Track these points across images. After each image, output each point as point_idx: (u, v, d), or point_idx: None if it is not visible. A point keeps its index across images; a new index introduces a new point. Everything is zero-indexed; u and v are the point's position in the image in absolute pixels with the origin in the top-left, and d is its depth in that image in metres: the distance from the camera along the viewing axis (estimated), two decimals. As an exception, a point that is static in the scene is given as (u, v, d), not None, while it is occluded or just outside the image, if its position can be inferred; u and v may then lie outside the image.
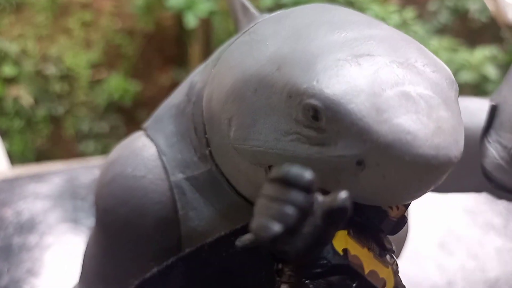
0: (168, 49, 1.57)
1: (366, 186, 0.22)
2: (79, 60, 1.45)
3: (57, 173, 0.75)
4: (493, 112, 0.32)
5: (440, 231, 0.69)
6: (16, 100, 1.38)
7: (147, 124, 0.35)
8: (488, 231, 0.68)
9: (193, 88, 0.33)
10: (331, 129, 0.23)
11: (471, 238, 0.68)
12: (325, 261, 0.22)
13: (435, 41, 1.33)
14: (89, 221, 0.65)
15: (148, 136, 0.33)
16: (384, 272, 0.23)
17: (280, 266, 0.22)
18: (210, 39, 1.49)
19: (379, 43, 0.25)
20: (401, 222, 0.25)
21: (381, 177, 0.22)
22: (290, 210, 0.19)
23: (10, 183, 0.72)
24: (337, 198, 0.19)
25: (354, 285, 0.22)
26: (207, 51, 1.57)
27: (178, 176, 0.31)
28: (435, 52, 1.21)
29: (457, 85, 0.25)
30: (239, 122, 0.27)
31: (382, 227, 0.24)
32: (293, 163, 0.21)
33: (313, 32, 0.26)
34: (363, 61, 0.23)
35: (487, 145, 0.32)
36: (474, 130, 0.32)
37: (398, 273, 0.25)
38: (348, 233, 0.23)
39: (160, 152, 0.32)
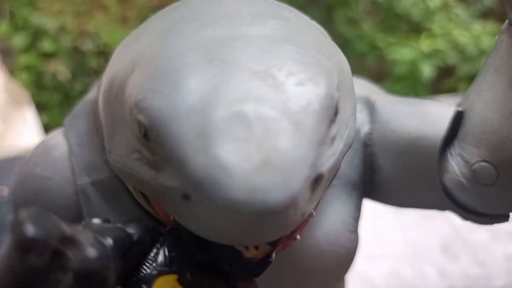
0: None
1: (199, 222, 0.19)
2: (115, 36, 1.47)
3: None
4: (459, 119, 0.27)
5: (444, 233, 0.66)
6: (54, 75, 1.42)
7: (66, 119, 0.31)
8: (497, 237, 0.65)
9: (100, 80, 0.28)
10: (159, 152, 0.19)
11: (478, 243, 0.65)
12: None
13: (478, 26, 1.26)
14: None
15: (64, 133, 0.30)
16: None
17: None
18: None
19: (245, 45, 0.20)
20: (263, 263, 0.21)
21: (208, 217, 0.18)
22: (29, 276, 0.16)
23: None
24: (86, 257, 0.16)
25: None
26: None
27: (84, 180, 0.28)
28: (477, 37, 1.14)
29: (339, 103, 0.21)
30: (105, 131, 0.24)
31: (236, 268, 0.21)
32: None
33: (183, 27, 0.22)
34: (211, 69, 0.19)
35: (449, 157, 0.28)
36: (433, 140, 0.28)
37: None
38: (180, 279, 0.20)
39: (70, 152, 0.29)
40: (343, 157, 0.23)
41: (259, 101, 0.18)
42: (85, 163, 0.28)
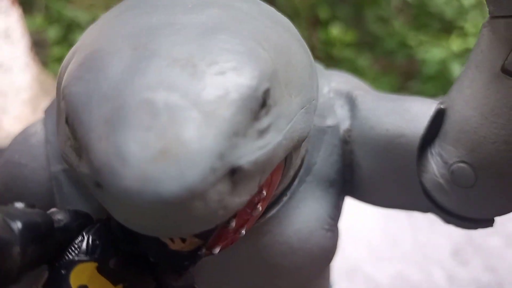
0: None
1: (112, 210, 0.18)
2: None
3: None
4: (440, 117, 0.26)
5: (456, 237, 0.64)
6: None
7: (46, 107, 0.31)
8: (511, 243, 0.63)
9: None
10: (77, 139, 0.19)
11: (491, 248, 0.63)
12: None
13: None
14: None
15: (43, 121, 0.30)
16: None
17: None
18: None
19: (172, 33, 0.20)
20: (192, 256, 0.21)
21: (114, 205, 0.18)
22: None
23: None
24: None
25: None
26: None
27: (57, 167, 0.28)
28: None
29: (269, 95, 0.20)
30: (56, 118, 0.24)
31: (161, 260, 0.20)
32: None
33: (124, 15, 0.22)
34: (132, 56, 0.19)
35: (429, 157, 0.26)
36: (411, 138, 0.26)
37: None
38: (100, 267, 0.20)
39: (46, 140, 0.29)
40: (293, 151, 0.22)
41: (171, 90, 0.17)
42: (59, 151, 0.27)
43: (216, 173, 0.17)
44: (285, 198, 0.27)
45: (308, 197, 0.28)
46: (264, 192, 0.22)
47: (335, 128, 0.28)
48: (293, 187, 0.27)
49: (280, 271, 0.28)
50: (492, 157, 0.24)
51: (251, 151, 0.19)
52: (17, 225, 0.18)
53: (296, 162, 0.26)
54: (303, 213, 0.28)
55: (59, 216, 0.21)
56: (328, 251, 0.29)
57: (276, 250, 0.27)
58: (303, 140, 0.23)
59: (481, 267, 0.60)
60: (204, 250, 0.21)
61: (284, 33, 0.23)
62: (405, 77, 1.45)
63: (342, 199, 0.30)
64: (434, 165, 0.26)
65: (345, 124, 0.28)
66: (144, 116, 0.17)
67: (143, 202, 0.16)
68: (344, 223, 0.70)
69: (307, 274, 0.29)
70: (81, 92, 0.19)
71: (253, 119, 0.19)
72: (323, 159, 0.28)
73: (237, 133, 0.18)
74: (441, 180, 0.26)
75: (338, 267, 0.61)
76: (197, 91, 0.18)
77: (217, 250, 0.21)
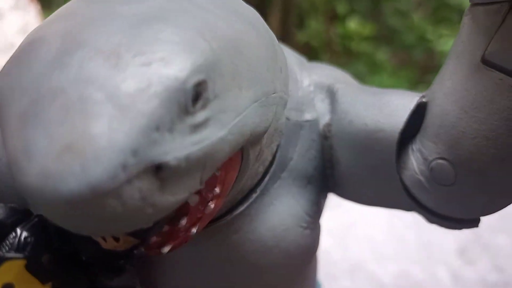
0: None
1: (32, 208, 0.19)
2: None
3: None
4: (422, 111, 0.25)
5: (463, 235, 0.63)
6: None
7: None
8: (521, 243, 0.61)
9: None
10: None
11: (499, 247, 0.61)
12: None
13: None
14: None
15: None
16: None
17: None
18: (290, 7, 1.45)
19: (104, 24, 0.19)
20: (129, 256, 0.21)
21: (37, 207, 0.17)
22: None
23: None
24: None
25: None
26: (287, 19, 1.54)
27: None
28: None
29: (205, 88, 0.19)
30: None
31: (93, 258, 0.21)
32: None
33: (74, 6, 0.21)
34: (59, 49, 0.18)
35: (410, 153, 0.25)
36: (390, 133, 0.25)
37: None
38: (28, 265, 0.20)
39: None
40: (250, 147, 0.22)
41: (88, 82, 0.17)
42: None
43: (128, 170, 0.16)
44: (254, 195, 0.26)
45: (283, 193, 0.27)
46: (217, 189, 0.21)
47: (313, 122, 0.27)
48: (263, 183, 0.26)
49: (255, 270, 0.27)
50: (472, 153, 0.23)
51: (181, 147, 0.18)
52: None
53: (265, 157, 0.25)
54: (278, 210, 0.27)
55: None
56: (306, 249, 0.28)
57: (248, 248, 0.26)
58: (259, 135, 0.22)
59: (488, 267, 0.59)
60: (142, 249, 0.20)
61: (239, 23, 0.22)
62: (423, 71, 1.42)
63: (324, 196, 0.29)
64: (414, 161, 0.25)
65: (325, 119, 0.27)
66: (57, 111, 0.16)
67: (44, 200, 0.16)
68: (347, 220, 0.69)
69: (284, 273, 0.28)
70: (5, 86, 0.18)
71: (183, 113, 0.18)
72: (300, 155, 0.27)
73: (159, 128, 0.17)
74: (421, 178, 0.25)
75: (340, 264, 0.61)
76: (115, 83, 0.17)
77: (166, 249, 0.21)
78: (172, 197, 0.18)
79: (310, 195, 0.28)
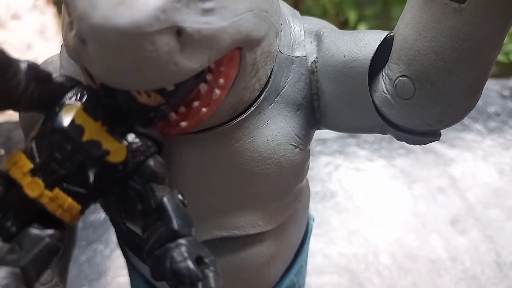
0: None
1: (93, 63, 0.24)
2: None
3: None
4: (390, 44, 0.30)
5: (456, 208, 0.65)
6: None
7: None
8: (512, 215, 0.64)
9: None
10: (69, 13, 0.24)
11: (491, 220, 0.64)
12: (49, 124, 0.25)
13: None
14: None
15: (59, 53, 0.35)
16: (110, 145, 0.26)
17: None
18: (300, 13, 1.49)
19: None
20: (156, 109, 0.26)
21: (92, 52, 0.23)
22: None
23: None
24: None
25: (69, 147, 0.25)
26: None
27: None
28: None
29: None
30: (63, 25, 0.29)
31: (131, 109, 0.26)
32: None
33: None
34: None
35: (380, 78, 0.30)
36: (363, 61, 0.30)
37: (144, 154, 0.26)
38: (84, 108, 0.26)
39: (61, 66, 0.34)
40: (246, 50, 0.27)
41: None
42: (70, 73, 0.33)
43: (159, 22, 0.22)
44: (252, 108, 0.31)
45: (276, 115, 0.32)
46: (222, 80, 0.27)
47: (303, 59, 0.33)
48: (259, 101, 0.31)
49: (252, 177, 0.32)
50: (425, 67, 0.28)
51: (195, 21, 0.24)
52: (24, 64, 0.24)
53: (260, 76, 0.30)
54: (271, 127, 0.32)
55: (57, 78, 0.27)
56: (295, 164, 0.32)
57: (247, 157, 0.31)
58: (254, 41, 0.27)
59: (480, 236, 0.62)
60: (168, 109, 0.27)
61: None
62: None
63: (312, 126, 0.34)
64: (383, 83, 0.30)
65: (312, 57, 0.33)
66: None
67: (103, 33, 0.22)
68: (346, 192, 0.73)
69: (275, 185, 0.32)
70: None
71: None
72: (291, 85, 0.32)
73: (180, 0, 0.23)
74: (388, 95, 0.30)
75: (338, 228, 0.64)
76: None
77: (184, 124, 0.27)
78: (188, 63, 0.24)
79: (299, 120, 0.33)
